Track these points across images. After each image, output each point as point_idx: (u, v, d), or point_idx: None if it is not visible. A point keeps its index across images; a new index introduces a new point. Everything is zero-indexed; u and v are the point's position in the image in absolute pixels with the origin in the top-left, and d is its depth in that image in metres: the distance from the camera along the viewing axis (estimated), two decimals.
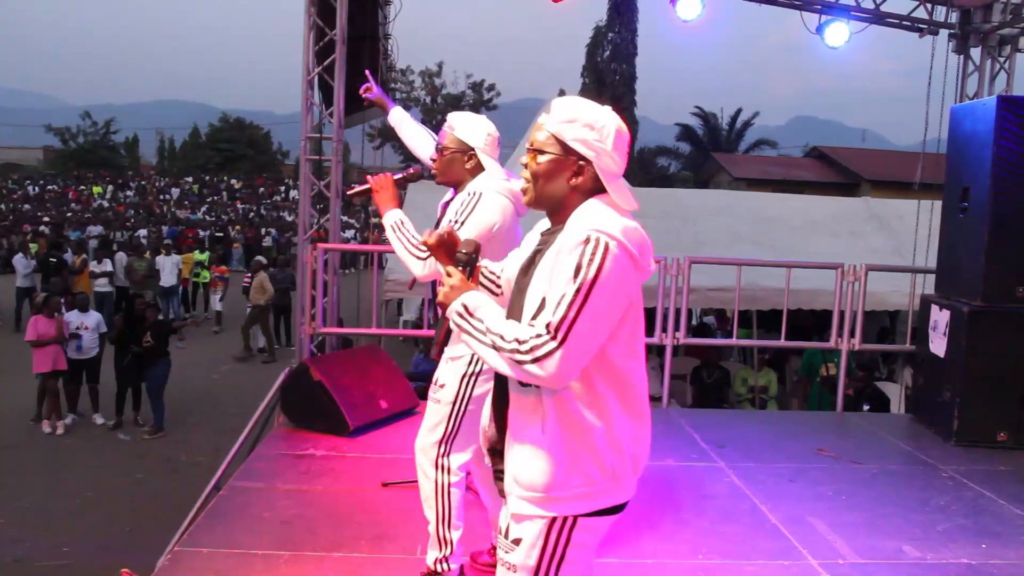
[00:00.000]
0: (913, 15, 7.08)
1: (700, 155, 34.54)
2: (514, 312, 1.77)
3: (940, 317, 5.17)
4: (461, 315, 1.70)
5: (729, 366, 8.27)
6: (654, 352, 7.41)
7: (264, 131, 51.81)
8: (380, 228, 3.00)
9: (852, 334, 5.68)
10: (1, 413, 9.21)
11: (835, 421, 5.72)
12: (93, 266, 13.76)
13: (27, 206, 33.61)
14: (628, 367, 1.73)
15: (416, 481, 2.89)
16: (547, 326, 1.57)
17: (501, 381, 1.83)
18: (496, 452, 1.90)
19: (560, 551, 1.73)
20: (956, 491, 4.14)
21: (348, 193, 3.43)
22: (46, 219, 27.68)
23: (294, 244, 16.87)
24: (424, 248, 2.69)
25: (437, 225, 2.92)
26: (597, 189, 1.75)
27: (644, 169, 32.48)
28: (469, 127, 2.84)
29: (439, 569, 2.83)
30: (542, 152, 1.75)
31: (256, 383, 7.17)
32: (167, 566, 3.04)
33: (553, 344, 1.56)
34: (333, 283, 5.78)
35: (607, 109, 1.77)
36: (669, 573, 3.17)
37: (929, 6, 7.06)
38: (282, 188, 41.58)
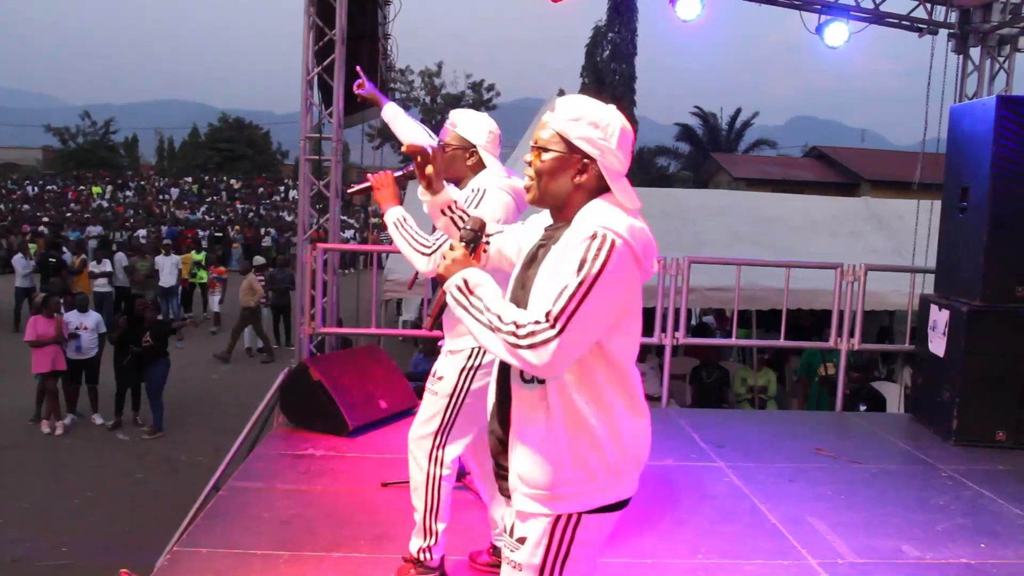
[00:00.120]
0: (912, 15, 7.08)
1: (700, 155, 34.55)
2: (514, 304, 1.77)
3: (939, 317, 5.17)
4: (460, 290, 1.70)
5: (728, 366, 8.27)
6: (653, 352, 7.43)
7: (263, 131, 51.82)
8: (379, 228, 3.00)
9: (852, 334, 5.68)
10: (0, 413, 9.20)
11: (834, 421, 5.72)
12: (92, 266, 13.76)
13: (26, 206, 33.61)
14: (627, 364, 1.74)
15: None
16: (547, 315, 1.57)
17: (503, 378, 1.83)
18: (499, 450, 1.90)
19: (565, 549, 1.73)
20: (955, 491, 4.14)
21: (349, 191, 3.43)
22: (45, 219, 27.67)
23: (293, 244, 16.87)
24: (428, 244, 2.69)
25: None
26: (601, 187, 1.75)
27: (644, 169, 32.47)
28: (471, 124, 2.86)
29: (422, 558, 2.85)
30: (546, 150, 1.76)
31: (255, 383, 7.17)
32: (166, 566, 3.04)
33: (551, 333, 1.56)
34: (332, 283, 5.78)
35: (611, 107, 1.78)
36: (668, 573, 3.17)
37: (928, 6, 7.06)
38: (281, 188, 41.59)
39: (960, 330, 4.92)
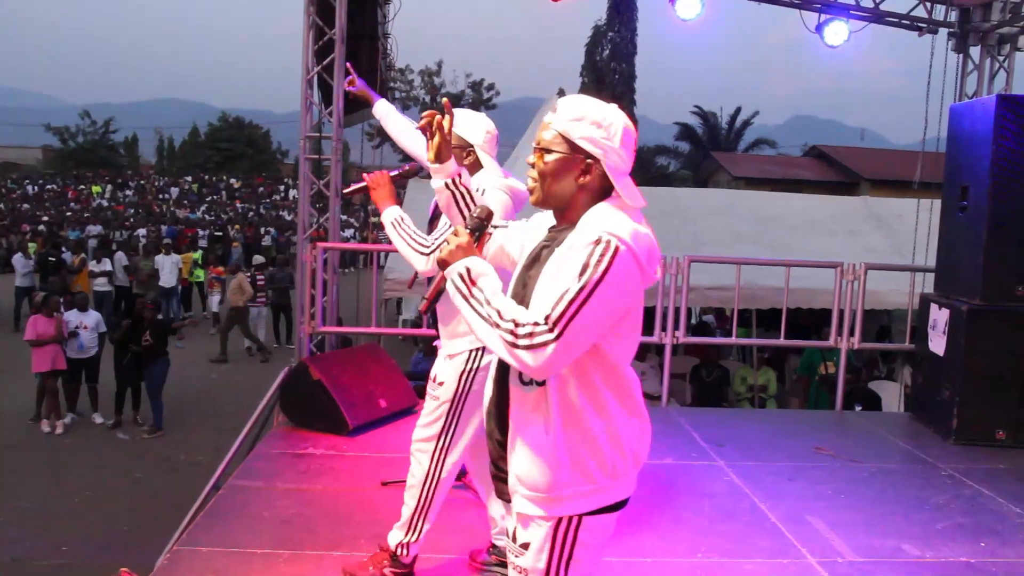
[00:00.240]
0: (912, 14, 7.08)
1: (699, 154, 34.53)
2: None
3: (939, 316, 5.17)
4: (463, 278, 1.69)
5: (728, 365, 8.27)
6: (653, 351, 7.43)
7: (263, 130, 51.81)
8: (379, 227, 3.00)
9: (851, 333, 5.68)
10: (0, 412, 9.20)
11: (834, 420, 5.72)
12: (92, 265, 13.76)
13: (26, 205, 33.59)
14: (624, 366, 1.74)
15: None
16: (546, 318, 1.56)
17: (502, 380, 1.83)
18: (497, 452, 1.90)
19: (568, 552, 1.74)
20: (955, 489, 4.14)
21: (345, 191, 3.43)
22: (45, 218, 27.66)
23: (293, 243, 16.87)
24: (426, 244, 2.69)
25: (432, 222, 2.92)
26: (605, 187, 1.74)
27: (643, 168, 32.44)
28: (469, 124, 2.85)
29: (399, 552, 2.86)
30: (549, 151, 1.74)
31: (255, 382, 7.17)
32: (166, 565, 3.04)
33: (550, 336, 1.55)
34: (332, 282, 5.78)
35: (613, 107, 1.77)
36: (668, 571, 3.17)
37: (928, 5, 7.06)
38: (281, 187, 41.60)
39: (960, 329, 4.92)
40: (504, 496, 1.86)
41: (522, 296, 1.75)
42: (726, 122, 36.57)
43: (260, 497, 3.73)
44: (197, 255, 16.67)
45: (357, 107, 5.89)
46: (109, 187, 39.99)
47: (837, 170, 26.48)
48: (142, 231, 24.36)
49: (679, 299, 5.53)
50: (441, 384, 2.81)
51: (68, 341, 8.70)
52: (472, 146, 2.83)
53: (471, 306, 1.66)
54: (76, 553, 5.89)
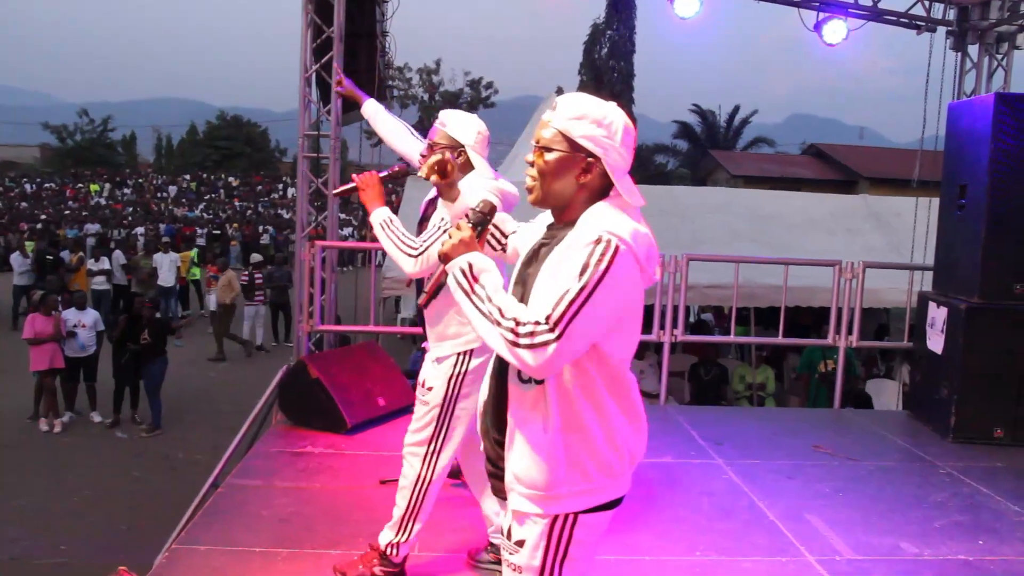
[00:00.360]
0: (911, 12, 7.09)
1: (698, 152, 34.53)
2: None
3: (937, 314, 5.18)
4: (465, 273, 1.68)
5: (727, 363, 8.27)
6: (652, 349, 7.43)
7: (262, 129, 51.74)
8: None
9: (850, 331, 5.69)
10: None
11: (832, 418, 5.73)
12: (91, 264, 13.75)
13: (24, 204, 33.56)
14: (623, 366, 1.74)
15: None
16: (547, 318, 1.56)
17: (500, 377, 1.83)
18: (494, 450, 1.90)
19: (563, 549, 1.74)
20: (953, 487, 4.15)
21: (334, 191, 3.42)
22: (43, 217, 27.64)
23: (292, 242, 16.85)
24: (414, 246, 2.68)
25: (421, 223, 2.91)
26: (604, 186, 1.73)
27: (642, 167, 32.43)
28: (460, 124, 2.85)
29: (389, 552, 2.87)
30: (549, 149, 1.73)
31: (253, 381, 7.17)
32: (165, 564, 3.03)
33: (550, 336, 1.55)
34: (331, 280, 5.78)
35: (612, 105, 1.76)
36: (666, 569, 3.17)
37: (927, 3, 7.07)
38: (280, 186, 41.56)
39: (958, 327, 4.93)
40: (500, 493, 1.86)
41: (521, 294, 1.75)
42: (725, 120, 36.61)
43: (258, 496, 3.72)
44: (193, 253, 16.66)
45: (355, 105, 5.89)
46: (107, 185, 39.96)
47: (836, 168, 26.48)
48: (140, 229, 24.35)
49: (677, 297, 5.53)
50: (430, 389, 2.82)
51: (66, 340, 8.70)
52: (463, 146, 2.82)
53: (472, 302, 1.66)
54: (75, 552, 5.89)
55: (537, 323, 1.56)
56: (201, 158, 47.24)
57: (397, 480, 2.89)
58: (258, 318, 13.10)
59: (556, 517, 1.73)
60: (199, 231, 25.95)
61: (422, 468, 2.82)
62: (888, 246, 7.75)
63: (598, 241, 1.59)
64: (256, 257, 16.01)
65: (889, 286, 6.85)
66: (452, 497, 3.55)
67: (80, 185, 39.61)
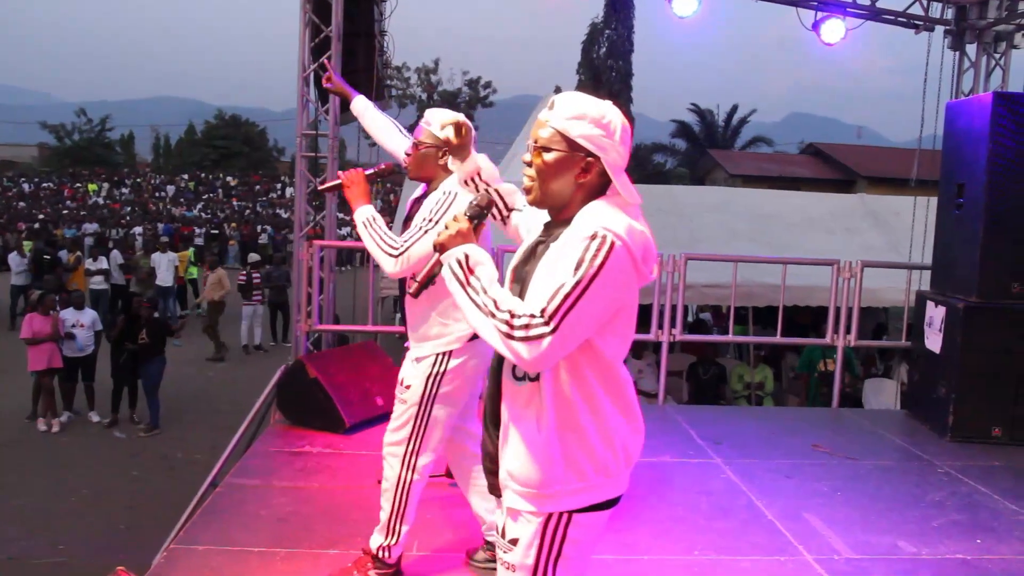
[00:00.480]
0: (909, 11, 7.09)
1: (696, 152, 34.55)
2: None
3: (935, 313, 5.18)
4: (461, 264, 1.68)
5: (725, 362, 8.27)
6: (650, 348, 7.43)
7: (260, 128, 51.67)
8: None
9: (848, 330, 5.69)
10: None
11: (830, 417, 5.73)
12: (88, 264, 13.74)
13: (22, 204, 33.52)
14: (617, 363, 1.74)
15: None
16: (542, 311, 1.56)
17: (495, 375, 1.83)
18: (490, 447, 1.90)
19: (557, 548, 1.73)
20: (951, 487, 4.15)
21: (320, 188, 3.41)
22: (41, 216, 27.61)
23: (290, 241, 16.84)
24: (396, 245, 2.67)
25: (406, 223, 2.90)
26: (602, 185, 1.73)
27: (640, 166, 32.48)
28: (445, 123, 2.84)
29: (381, 555, 2.87)
30: (548, 150, 1.72)
31: (251, 380, 7.17)
32: (163, 564, 3.03)
33: (545, 329, 1.55)
34: (329, 280, 5.78)
35: (609, 103, 1.75)
36: (665, 569, 3.17)
37: (925, 2, 7.07)
38: (278, 185, 41.51)
39: (956, 326, 4.93)
40: (495, 490, 1.86)
41: (519, 292, 1.75)
42: (723, 120, 36.65)
43: (257, 495, 3.72)
44: (191, 253, 16.65)
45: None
46: (105, 185, 39.90)
47: (834, 168, 26.49)
48: (138, 229, 24.30)
49: (676, 297, 5.53)
50: (408, 387, 2.81)
51: (64, 339, 8.69)
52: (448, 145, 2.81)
53: (467, 293, 1.65)
54: (73, 552, 5.88)
55: (532, 316, 1.56)
56: (199, 157, 47.18)
57: None
58: (256, 318, 13.09)
59: (550, 515, 1.72)
60: (197, 231, 25.90)
61: (402, 470, 2.83)
62: (886, 245, 7.75)
63: (594, 237, 1.59)
64: (254, 257, 15.99)
65: (887, 285, 6.85)
66: (448, 496, 3.55)
67: (78, 184, 39.57)
